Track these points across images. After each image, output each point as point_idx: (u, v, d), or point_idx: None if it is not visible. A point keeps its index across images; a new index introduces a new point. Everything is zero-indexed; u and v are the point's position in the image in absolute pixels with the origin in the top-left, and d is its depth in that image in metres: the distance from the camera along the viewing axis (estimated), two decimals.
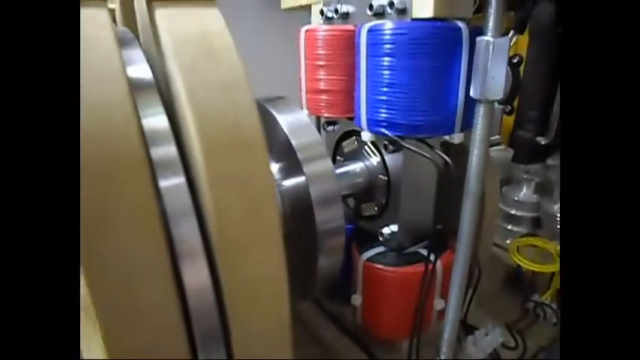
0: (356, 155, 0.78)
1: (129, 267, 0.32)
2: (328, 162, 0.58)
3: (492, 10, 0.52)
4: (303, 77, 0.76)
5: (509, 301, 0.96)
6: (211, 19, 0.37)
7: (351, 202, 0.83)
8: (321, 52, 0.72)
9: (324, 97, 0.75)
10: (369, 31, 0.59)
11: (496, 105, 1.35)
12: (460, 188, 0.61)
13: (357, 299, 0.76)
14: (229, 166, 0.34)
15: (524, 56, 1.33)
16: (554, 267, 0.89)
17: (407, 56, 0.57)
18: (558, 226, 1.10)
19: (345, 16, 0.71)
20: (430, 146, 0.62)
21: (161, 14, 0.36)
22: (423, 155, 0.60)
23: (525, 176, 1.24)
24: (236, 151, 0.34)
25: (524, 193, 1.25)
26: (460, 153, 0.64)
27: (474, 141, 0.58)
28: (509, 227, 1.25)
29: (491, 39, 0.52)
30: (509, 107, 1.43)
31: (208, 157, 0.33)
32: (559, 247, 0.95)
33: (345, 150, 0.81)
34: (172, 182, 0.36)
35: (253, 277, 0.36)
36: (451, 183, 0.65)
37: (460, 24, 0.57)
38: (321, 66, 0.73)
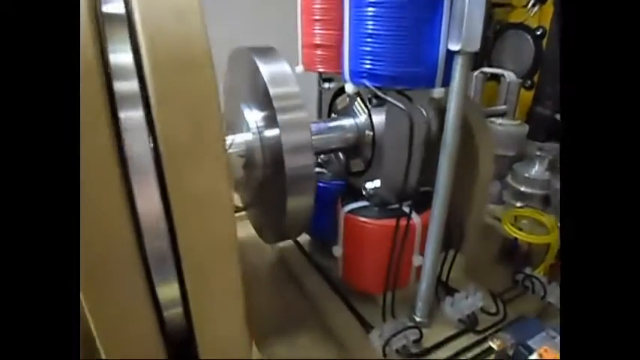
0: (347, 112, 0.79)
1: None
2: (303, 113, 0.60)
3: None
4: (299, 32, 0.78)
5: (501, 272, 0.95)
6: None
7: (341, 158, 0.84)
8: (317, 5, 0.73)
9: (318, 51, 0.76)
10: None
11: (514, 78, 1.31)
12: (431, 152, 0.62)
13: (337, 250, 0.79)
14: (176, 84, 0.37)
15: (548, 28, 1.28)
16: (547, 238, 0.88)
17: (389, 6, 0.58)
18: None
19: None
20: (409, 99, 0.63)
21: None
22: (397, 106, 0.60)
23: (538, 153, 1.20)
24: (184, 71, 0.37)
25: (536, 170, 1.21)
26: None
27: (451, 94, 0.59)
28: (518, 204, 1.22)
29: None
30: (529, 82, 1.38)
31: (156, 75, 0.36)
32: (554, 219, 0.93)
33: (339, 107, 0.83)
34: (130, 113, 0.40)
35: (198, 191, 0.39)
36: (437, 143, 0.65)
37: None
38: (316, 20, 0.74)
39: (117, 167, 0.37)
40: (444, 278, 0.84)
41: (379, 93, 0.61)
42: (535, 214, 0.95)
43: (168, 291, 0.46)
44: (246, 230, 0.88)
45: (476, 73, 1.36)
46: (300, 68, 0.81)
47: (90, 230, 0.37)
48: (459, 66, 0.56)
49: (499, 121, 1.30)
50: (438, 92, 0.62)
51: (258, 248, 0.99)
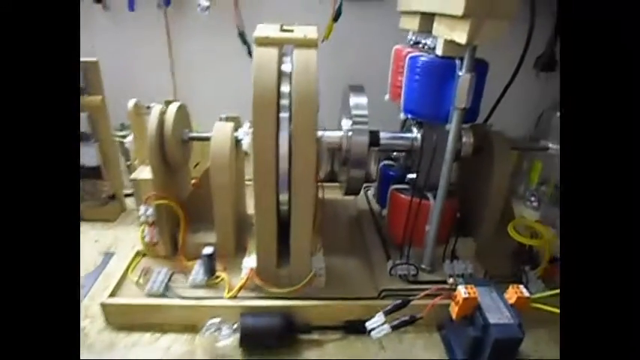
0: (410, 128, 1.26)
1: None
2: (365, 126, 1.11)
3: (466, 60, 0.94)
4: (390, 76, 1.28)
5: (507, 265, 1.28)
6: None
7: (402, 158, 1.32)
8: (401, 63, 1.21)
9: (398, 90, 1.25)
10: (410, 58, 1.07)
11: None
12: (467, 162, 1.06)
13: (384, 212, 1.28)
14: (302, 109, 0.93)
15: None
16: (535, 242, 1.19)
17: (423, 74, 1.04)
18: None
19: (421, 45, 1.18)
20: (430, 128, 1.08)
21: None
22: (427, 130, 1.07)
23: None
24: (305, 101, 0.92)
25: None
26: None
27: (451, 130, 1.02)
28: None
29: (460, 73, 0.94)
30: None
31: (296, 104, 0.93)
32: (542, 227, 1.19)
33: (407, 125, 1.30)
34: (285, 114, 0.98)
35: (304, 152, 0.95)
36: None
37: (457, 61, 0.99)
38: (399, 72, 1.23)
39: (274, 137, 0.94)
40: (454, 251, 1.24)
41: (415, 122, 1.08)
42: (531, 224, 1.25)
43: (284, 196, 1.03)
44: (338, 194, 1.43)
45: (558, 113, 1.62)
46: (387, 97, 1.31)
47: (259, 160, 0.96)
48: (455, 115, 0.99)
49: None
50: (449, 126, 1.05)
51: (345, 207, 1.54)
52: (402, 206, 1.20)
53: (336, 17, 1.61)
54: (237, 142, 1.17)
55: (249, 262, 1.11)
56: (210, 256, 1.09)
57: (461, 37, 0.87)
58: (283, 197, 1.03)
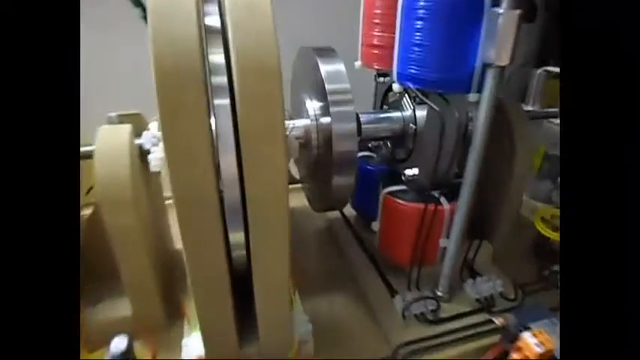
0: (397, 105, 0.90)
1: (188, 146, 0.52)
2: (351, 107, 0.72)
3: None
4: (360, 32, 0.89)
5: (530, 265, 1.01)
6: None
7: (388, 146, 0.95)
8: (376, 11, 0.83)
9: (375, 51, 0.87)
10: None
11: None
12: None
13: (376, 225, 0.91)
14: (254, 86, 0.51)
15: None
16: None
17: (434, 21, 0.67)
18: None
19: None
20: (446, 101, 0.72)
21: None
22: (432, 107, 0.70)
23: None
24: (260, 75, 0.51)
25: None
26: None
27: (481, 103, 0.67)
28: None
29: (501, 11, 0.59)
30: None
31: (240, 78, 0.51)
32: None
33: (390, 100, 0.93)
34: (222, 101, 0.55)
35: (263, 162, 0.54)
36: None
37: None
38: (375, 23, 0.85)
39: (209, 139, 0.52)
40: (470, 263, 0.93)
41: (419, 95, 0.71)
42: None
43: (237, 236, 0.62)
44: (301, 201, 1.03)
45: (539, 71, 1.37)
46: (358, 63, 0.93)
47: (188, 185, 0.53)
48: (489, 77, 0.64)
49: (556, 121, 1.31)
50: (473, 97, 0.70)
51: (310, 216, 1.14)
52: (404, 216, 0.84)
53: None
54: (142, 153, 0.72)
55: (192, 343, 0.69)
56: (125, 355, 0.64)
57: None
58: (236, 238, 0.62)
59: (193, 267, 0.60)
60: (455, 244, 0.81)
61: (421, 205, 0.81)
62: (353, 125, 0.72)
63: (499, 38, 0.61)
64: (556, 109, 1.28)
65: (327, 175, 0.76)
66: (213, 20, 0.60)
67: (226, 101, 0.55)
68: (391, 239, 0.90)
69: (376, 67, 0.89)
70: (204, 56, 0.53)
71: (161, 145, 0.51)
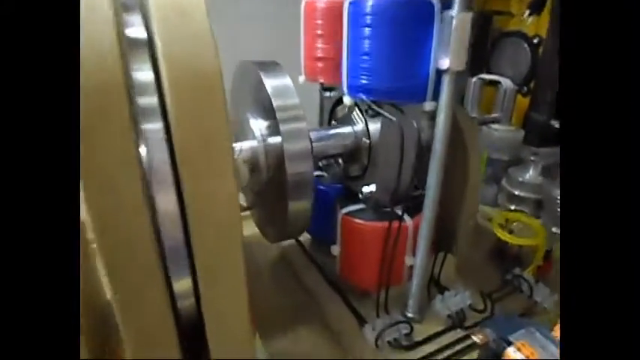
0: (346, 120, 0.85)
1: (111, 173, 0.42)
2: (302, 124, 0.66)
3: None
4: (302, 45, 0.83)
5: (492, 272, 1.00)
6: None
7: (340, 163, 0.90)
8: (318, 21, 0.78)
9: (319, 64, 0.82)
10: (351, 3, 0.65)
11: (511, 85, 1.35)
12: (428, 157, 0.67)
13: (335, 249, 0.85)
14: (191, 102, 0.43)
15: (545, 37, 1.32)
16: (534, 241, 0.93)
17: (383, 27, 0.63)
18: (559, 209, 1.11)
19: None
20: (401, 111, 0.68)
21: None
22: (388, 118, 0.66)
23: (533, 158, 1.25)
24: (198, 91, 0.43)
25: (530, 174, 1.26)
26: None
27: (439, 108, 0.64)
28: (512, 207, 1.27)
29: (453, 13, 0.56)
30: (525, 88, 1.42)
31: (173, 94, 0.42)
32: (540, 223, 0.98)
33: (339, 115, 0.88)
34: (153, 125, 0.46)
35: (208, 194, 0.45)
36: (429, 151, 0.70)
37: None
38: (318, 35, 0.80)
39: (138, 172, 0.42)
40: (436, 278, 0.89)
41: (373, 106, 0.66)
42: (522, 218, 0.99)
43: (183, 283, 0.52)
44: (250, 229, 0.94)
45: (474, 79, 1.41)
46: (302, 78, 0.87)
47: (114, 227, 0.43)
48: (446, 83, 0.61)
49: (495, 126, 1.35)
50: (429, 105, 0.67)
51: (261, 246, 1.04)
52: (366, 237, 0.79)
53: None
54: None
55: None
56: None
57: None
58: (182, 286, 0.52)
59: (129, 325, 0.49)
60: (422, 261, 0.76)
61: (384, 224, 0.75)
62: (306, 143, 0.65)
63: (453, 42, 0.58)
64: (494, 115, 1.32)
65: (281, 201, 0.68)
66: (136, 31, 0.51)
67: (158, 125, 0.46)
68: (354, 263, 0.83)
69: (321, 80, 0.83)
70: (126, 73, 0.43)
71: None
